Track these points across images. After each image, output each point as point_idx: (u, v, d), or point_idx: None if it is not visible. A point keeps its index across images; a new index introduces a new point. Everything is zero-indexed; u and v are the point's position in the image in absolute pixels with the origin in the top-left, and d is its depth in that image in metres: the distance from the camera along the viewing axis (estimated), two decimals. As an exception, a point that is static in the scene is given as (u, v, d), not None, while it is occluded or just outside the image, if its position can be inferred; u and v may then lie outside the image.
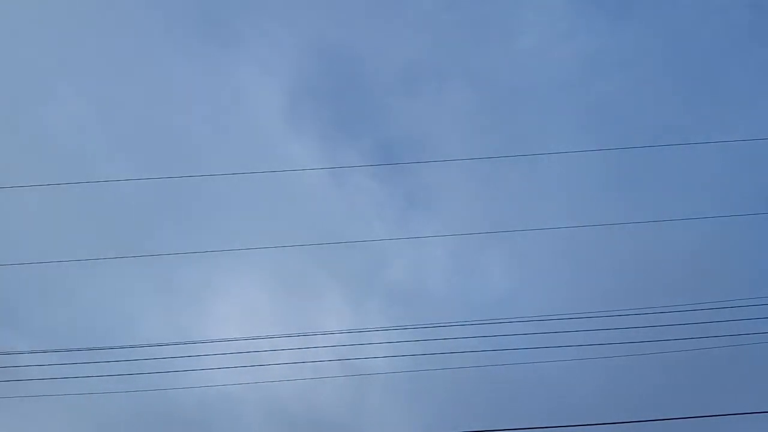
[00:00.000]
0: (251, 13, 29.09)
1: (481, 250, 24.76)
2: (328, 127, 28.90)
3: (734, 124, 25.95)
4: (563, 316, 17.33)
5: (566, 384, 21.61)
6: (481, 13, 29.12)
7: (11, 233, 23.21)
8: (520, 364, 17.76)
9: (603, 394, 21.81)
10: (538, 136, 27.07)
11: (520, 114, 28.38)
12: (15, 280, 19.92)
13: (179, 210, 25.29)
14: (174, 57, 28.45)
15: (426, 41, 29.61)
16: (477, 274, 25.59)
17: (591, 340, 17.22)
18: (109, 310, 23.97)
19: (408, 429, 22.86)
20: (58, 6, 27.00)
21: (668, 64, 28.40)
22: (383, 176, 25.20)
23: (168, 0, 28.17)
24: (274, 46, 29.42)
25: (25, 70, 26.48)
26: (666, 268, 23.87)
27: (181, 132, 27.52)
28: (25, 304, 22.67)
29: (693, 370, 20.90)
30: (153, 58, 28.13)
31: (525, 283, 25.24)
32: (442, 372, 18.15)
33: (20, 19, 26.73)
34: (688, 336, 16.96)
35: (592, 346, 17.24)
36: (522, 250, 24.39)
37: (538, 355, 17.50)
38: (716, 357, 18.43)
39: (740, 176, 24.84)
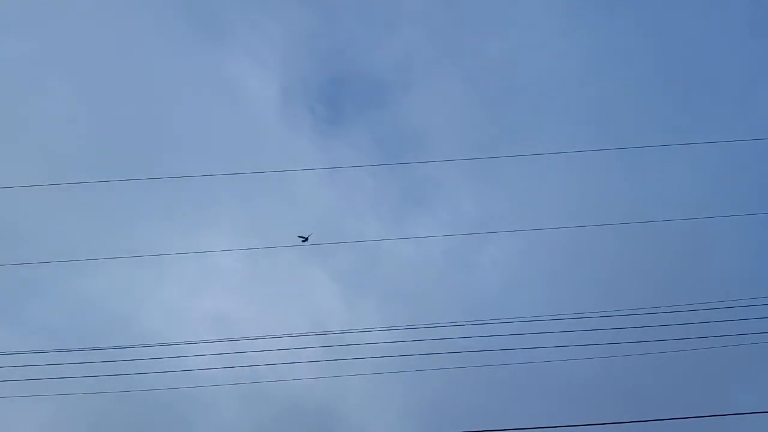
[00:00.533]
0: (243, 5, 28.96)
1: (478, 246, 24.67)
2: (322, 120, 28.84)
3: (733, 121, 25.96)
4: (560, 316, 17.27)
5: (564, 382, 21.60)
6: (476, 9, 29.06)
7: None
8: (518, 364, 17.70)
9: (601, 393, 21.80)
10: (532, 132, 27.06)
11: (516, 109, 28.37)
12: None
13: (171, 207, 25.22)
14: (164, 50, 28.28)
15: (421, 36, 29.57)
16: (472, 271, 25.51)
17: (587, 340, 17.16)
18: (108, 306, 23.90)
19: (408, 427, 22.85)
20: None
21: (665, 59, 28.35)
22: (378, 170, 25.12)
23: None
24: (267, 41, 29.32)
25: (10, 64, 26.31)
26: (663, 267, 23.87)
27: (172, 126, 27.40)
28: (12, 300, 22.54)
29: (691, 369, 20.90)
30: (142, 50, 27.96)
31: (520, 280, 25.21)
32: (439, 370, 18.11)
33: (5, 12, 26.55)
34: (687, 336, 16.92)
35: (590, 345, 17.18)
36: (518, 247, 24.34)
37: (534, 355, 17.44)
38: (715, 357, 18.43)
39: (740, 176, 24.86)
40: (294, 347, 17.37)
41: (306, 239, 19.01)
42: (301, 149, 27.30)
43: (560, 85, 28.24)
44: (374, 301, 24.62)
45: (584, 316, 16.94)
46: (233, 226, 25.07)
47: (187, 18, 28.56)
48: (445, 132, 27.90)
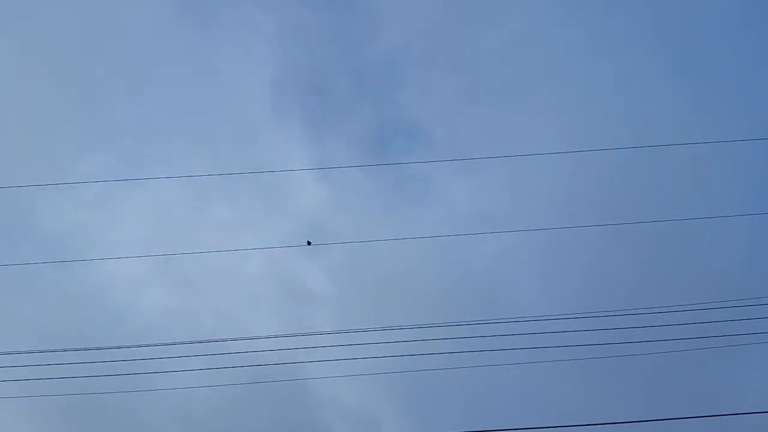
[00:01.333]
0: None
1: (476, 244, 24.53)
2: (313, 114, 28.78)
3: (733, 119, 25.89)
4: (561, 317, 17.25)
5: (563, 383, 21.58)
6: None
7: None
8: (519, 364, 17.68)
9: (600, 394, 21.79)
10: (525, 126, 27.01)
11: (508, 102, 28.29)
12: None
13: (164, 206, 25.14)
14: (151, 41, 28.12)
15: (413, 28, 29.50)
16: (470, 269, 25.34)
17: (589, 340, 17.15)
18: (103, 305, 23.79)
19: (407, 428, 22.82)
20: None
21: (665, 54, 28.26)
22: (371, 162, 25.02)
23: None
24: (257, 33, 29.21)
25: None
26: (664, 267, 23.84)
27: (163, 122, 27.31)
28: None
29: (690, 370, 20.90)
30: (132, 43, 27.81)
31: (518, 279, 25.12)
32: (438, 371, 18.09)
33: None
34: (686, 336, 16.91)
35: (590, 346, 17.16)
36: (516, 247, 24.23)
37: (534, 355, 17.41)
38: (715, 357, 18.43)
39: (740, 176, 24.82)
40: (292, 348, 17.33)
41: (309, 243, 19.37)
42: (292, 144, 27.24)
43: (558, 80, 28.16)
44: (369, 299, 24.54)
45: (584, 315, 16.93)
46: (224, 224, 25.01)
47: (175, 9, 28.46)
48: (441, 125, 27.88)
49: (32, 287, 22.02)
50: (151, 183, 20.63)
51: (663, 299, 17.81)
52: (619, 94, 27.52)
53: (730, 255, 23.74)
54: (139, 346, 16.75)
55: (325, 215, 25.44)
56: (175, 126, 27.30)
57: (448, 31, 29.05)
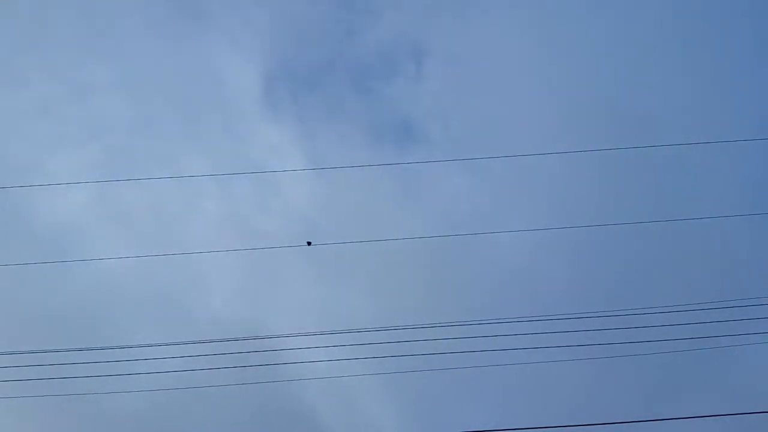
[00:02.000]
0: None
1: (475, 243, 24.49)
2: (306, 109, 28.72)
3: (733, 118, 25.86)
4: (563, 316, 17.25)
5: (563, 383, 21.58)
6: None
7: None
8: (520, 364, 17.67)
9: (599, 394, 21.80)
10: (520, 122, 26.96)
11: (502, 98, 28.21)
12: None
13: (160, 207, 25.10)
14: (139, 34, 28.00)
15: (407, 22, 29.45)
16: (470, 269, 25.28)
17: (590, 340, 17.15)
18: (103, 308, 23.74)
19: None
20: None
21: (661, 49, 28.20)
22: (367, 159, 24.94)
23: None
24: (250, 27, 29.13)
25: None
26: (664, 267, 23.83)
27: (154, 118, 27.24)
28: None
29: (690, 370, 20.91)
30: (122, 36, 27.70)
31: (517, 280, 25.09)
32: (439, 371, 18.09)
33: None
34: (687, 336, 16.91)
35: (591, 345, 17.16)
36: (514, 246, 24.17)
37: (536, 355, 17.41)
38: (715, 357, 18.43)
39: (740, 176, 24.82)
40: (290, 348, 17.33)
41: (309, 243, 19.30)
42: (284, 141, 27.21)
43: (555, 76, 28.08)
44: (367, 300, 24.49)
45: (584, 316, 16.92)
46: (218, 223, 24.98)
47: (167, 3, 28.38)
48: (437, 120, 27.85)
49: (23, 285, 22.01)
50: (140, 180, 20.59)
51: (663, 299, 17.81)
52: (619, 90, 27.49)
53: (730, 255, 23.72)
54: (140, 347, 16.76)
55: (319, 211, 25.41)
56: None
57: (445, 26, 29.01)
